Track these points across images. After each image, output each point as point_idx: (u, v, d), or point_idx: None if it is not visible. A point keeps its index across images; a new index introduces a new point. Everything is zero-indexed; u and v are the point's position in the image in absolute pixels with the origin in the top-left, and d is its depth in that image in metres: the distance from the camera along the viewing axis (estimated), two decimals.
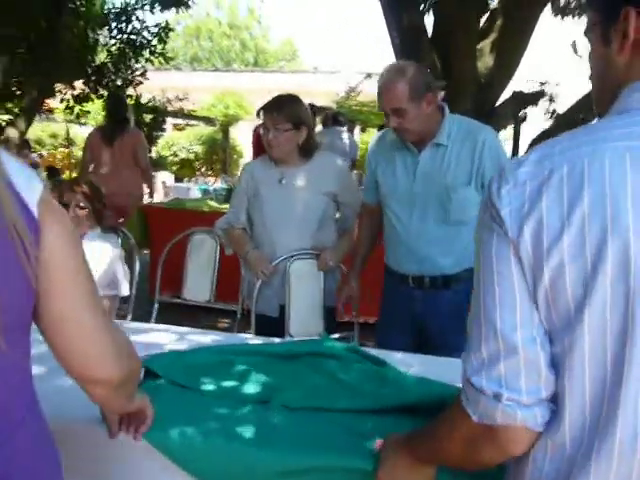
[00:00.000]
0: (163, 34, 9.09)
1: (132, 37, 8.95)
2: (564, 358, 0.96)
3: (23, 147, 12.67)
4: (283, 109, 3.02)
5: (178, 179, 16.14)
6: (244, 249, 3.20)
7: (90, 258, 3.03)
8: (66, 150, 16.53)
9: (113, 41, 8.87)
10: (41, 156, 15.73)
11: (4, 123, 5.48)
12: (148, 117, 10.89)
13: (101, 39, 8.99)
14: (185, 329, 2.52)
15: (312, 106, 12.04)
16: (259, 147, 5.09)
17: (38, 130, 16.83)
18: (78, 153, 17.27)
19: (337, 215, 3.31)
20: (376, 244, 3.17)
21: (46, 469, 1.10)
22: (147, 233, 5.75)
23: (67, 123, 14.60)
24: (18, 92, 6.90)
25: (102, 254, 3.23)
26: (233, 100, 17.19)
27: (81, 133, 17.25)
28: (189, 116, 16.16)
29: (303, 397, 1.73)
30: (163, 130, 16.91)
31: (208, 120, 17.60)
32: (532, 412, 0.99)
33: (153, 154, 15.70)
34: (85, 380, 1.09)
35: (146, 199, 6.31)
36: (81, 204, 3.25)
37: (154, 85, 14.38)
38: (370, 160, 3.00)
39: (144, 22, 8.93)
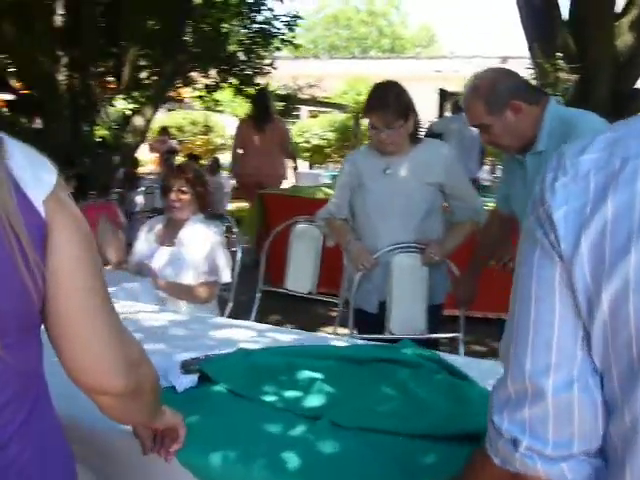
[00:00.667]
0: (292, 23, 9.12)
1: (263, 27, 9.04)
2: (622, 403, 0.75)
3: (162, 134, 13.25)
4: (393, 106, 2.86)
5: (311, 166, 16.28)
6: (345, 240, 3.07)
7: (191, 243, 3.06)
8: (205, 137, 17.06)
9: (244, 31, 8.99)
10: (181, 142, 16.33)
11: (129, 112, 5.66)
12: (280, 105, 11.00)
13: (234, 29, 9.14)
14: (265, 326, 2.44)
15: (442, 91, 11.70)
16: None
17: (179, 118, 17.47)
18: (215, 140, 17.85)
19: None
20: (500, 250, 2.96)
21: (53, 469, 1.05)
22: (266, 220, 5.78)
23: (205, 111, 15.01)
24: (147, 81, 7.16)
25: (203, 240, 3.24)
26: (365, 87, 17.06)
27: (219, 121, 17.81)
28: (322, 103, 16.23)
29: (360, 414, 1.57)
30: (295, 117, 17.11)
31: (340, 107, 17.60)
32: (558, 467, 0.79)
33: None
34: (87, 388, 1.02)
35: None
36: (184, 189, 3.27)
37: (292, 73, 14.56)
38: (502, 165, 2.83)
39: (273, 11, 9.00)
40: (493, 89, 2.31)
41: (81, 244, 0.97)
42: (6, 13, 5.41)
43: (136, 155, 10.62)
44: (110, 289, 2.89)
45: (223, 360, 1.84)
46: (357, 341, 2.22)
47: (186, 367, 1.80)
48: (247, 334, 2.29)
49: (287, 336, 2.30)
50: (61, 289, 0.95)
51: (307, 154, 17.32)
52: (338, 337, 2.42)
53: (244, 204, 7.76)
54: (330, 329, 3.52)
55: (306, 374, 1.76)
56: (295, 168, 7.25)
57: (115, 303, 2.62)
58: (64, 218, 0.95)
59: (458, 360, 2.03)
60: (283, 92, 11.39)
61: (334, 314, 4.90)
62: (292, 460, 1.39)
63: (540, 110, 2.34)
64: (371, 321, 3.00)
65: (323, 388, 1.69)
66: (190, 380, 1.75)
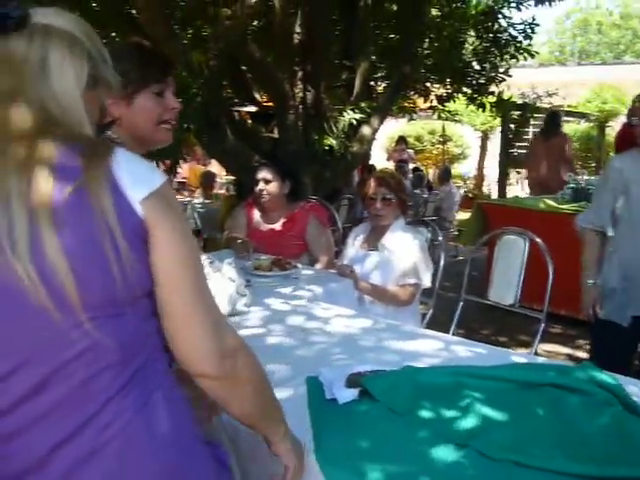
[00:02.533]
0: (529, 30, 8.71)
1: (498, 35, 8.73)
2: None
3: (400, 143, 13.36)
4: None
5: None
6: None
7: (393, 248, 3.07)
8: (441, 146, 16.95)
9: (479, 40, 8.73)
10: (418, 152, 16.37)
11: (355, 121, 5.75)
12: (515, 114, 10.57)
13: (469, 39, 8.93)
14: (454, 339, 2.29)
15: None
16: (624, 141, 5.06)
17: (418, 127, 17.51)
18: (451, 149, 17.64)
19: None
20: None
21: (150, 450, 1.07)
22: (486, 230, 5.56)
23: (444, 121, 14.85)
24: (377, 92, 7.23)
25: (405, 245, 3.22)
26: (612, 94, 15.75)
27: (457, 131, 17.56)
28: (563, 112, 15.28)
29: (512, 445, 1.41)
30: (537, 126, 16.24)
31: (583, 116, 16.45)
32: None
33: (523, 150, 15.27)
34: (189, 371, 1.11)
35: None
36: (387, 197, 3.25)
37: (534, 81, 13.91)
38: None
39: (510, 19, 8.63)
40: None
41: (178, 245, 1.06)
42: (253, 34, 5.78)
43: (373, 163, 10.85)
44: (313, 287, 2.91)
45: (387, 377, 1.76)
46: (538, 359, 2.00)
47: (351, 381, 1.75)
48: (434, 345, 2.19)
49: (471, 349, 2.15)
50: (162, 284, 1.06)
51: None
52: (524, 355, 2.18)
53: None
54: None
55: (469, 396, 1.63)
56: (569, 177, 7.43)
57: (315, 305, 2.64)
58: (162, 218, 1.04)
59: None
60: (519, 101, 10.92)
61: (531, 331, 4.59)
62: None
63: None
64: (622, 334, 2.79)
65: (483, 412, 1.56)
66: (351, 394, 1.71)
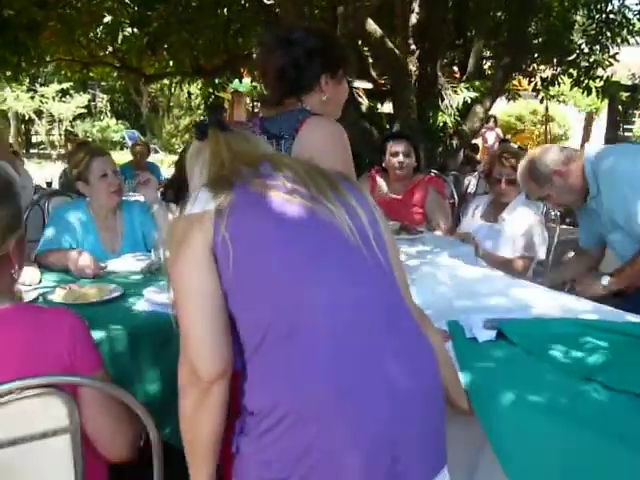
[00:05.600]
0: None
1: (611, 17, 8.50)
2: None
3: (488, 121, 13.13)
4: None
5: None
6: None
7: (512, 221, 3.25)
8: (542, 127, 16.59)
9: (590, 21, 8.55)
10: (519, 132, 16.09)
11: (469, 100, 5.86)
12: (624, 95, 10.27)
13: (579, 20, 8.75)
14: (573, 298, 2.48)
15: None
16: None
17: (521, 107, 17.13)
18: (554, 130, 17.24)
19: None
20: None
21: None
22: None
23: (547, 100, 14.55)
24: (489, 72, 7.27)
25: (523, 218, 3.38)
26: None
27: (560, 111, 17.13)
28: None
29: (633, 381, 1.62)
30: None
31: None
32: None
33: (630, 133, 14.79)
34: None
35: None
36: (511, 177, 3.41)
37: None
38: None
39: (624, 1, 8.41)
40: (536, 168, 2.69)
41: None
42: (372, 15, 5.98)
43: (476, 141, 10.81)
44: (438, 250, 3.13)
45: (521, 323, 2.03)
46: None
47: (488, 324, 2.00)
48: (556, 304, 2.36)
49: (588, 309, 2.33)
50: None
51: None
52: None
53: None
54: None
55: (594, 341, 1.86)
56: None
57: (443, 262, 2.85)
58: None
59: None
60: (629, 82, 10.58)
61: None
62: (566, 408, 1.55)
63: (581, 161, 2.60)
64: None
65: (606, 353, 1.79)
66: (489, 334, 1.96)
